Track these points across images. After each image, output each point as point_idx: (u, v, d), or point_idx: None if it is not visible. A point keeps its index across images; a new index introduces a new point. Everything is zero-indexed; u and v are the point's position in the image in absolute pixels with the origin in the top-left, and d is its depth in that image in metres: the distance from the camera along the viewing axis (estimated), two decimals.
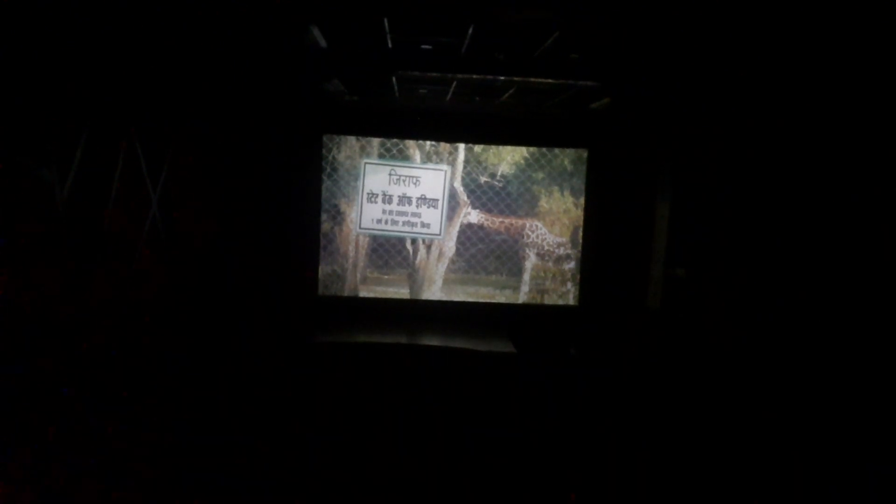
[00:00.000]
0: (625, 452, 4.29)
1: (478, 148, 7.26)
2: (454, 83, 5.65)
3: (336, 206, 7.18)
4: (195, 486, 3.72)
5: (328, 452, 4.24)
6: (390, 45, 4.68)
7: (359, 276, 7.30)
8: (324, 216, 7.15)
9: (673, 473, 4.00)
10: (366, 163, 7.17)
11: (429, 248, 7.32)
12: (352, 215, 7.18)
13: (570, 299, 7.43)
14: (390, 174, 7.17)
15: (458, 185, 7.26)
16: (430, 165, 7.22)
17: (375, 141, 7.17)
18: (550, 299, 7.44)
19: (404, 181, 7.19)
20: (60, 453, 3.30)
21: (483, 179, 7.28)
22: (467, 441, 4.47)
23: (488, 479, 4.09)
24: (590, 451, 4.37)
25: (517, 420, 4.90)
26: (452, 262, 7.34)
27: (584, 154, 7.29)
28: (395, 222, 7.21)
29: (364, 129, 7.10)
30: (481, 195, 7.28)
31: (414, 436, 4.58)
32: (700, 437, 4.36)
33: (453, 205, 7.26)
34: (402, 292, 7.35)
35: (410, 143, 7.18)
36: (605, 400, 5.22)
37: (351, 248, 7.26)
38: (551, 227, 7.35)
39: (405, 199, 7.20)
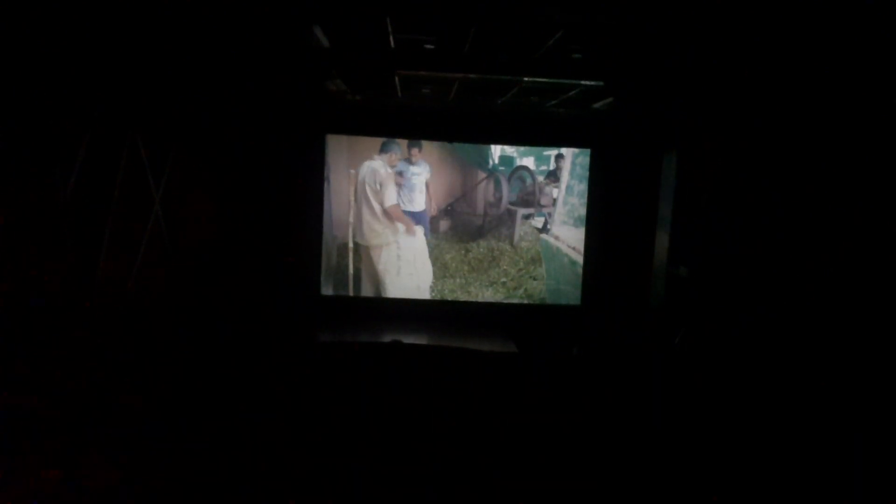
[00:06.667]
0: (628, 453, 4.29)
1: None
2: (456, 83, 5.64)
3: None
4: (195, 483, 3.72)
5: (330, 451, 4.24)
6: (393, 45, 4.67)
7: None
8: None
9: (677, 471, 4.00)
10: None
11: None
12: None
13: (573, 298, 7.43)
14: None
15: None
16: None
17: None
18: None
19: None
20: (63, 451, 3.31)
21: None
22: (469, 442, 4.46)
23: (489, 480, 4.08)
24: (593, 452, 4.37)
25: (519, 420, 4.90)
26: None
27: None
28: None
29: (366, 128, 7.10)
30: None
31: (415, 436, 4.58)
32: (703, 435, 4.35)
33: None
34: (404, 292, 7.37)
35: None
36: (607, 400, 5.21)
37: None
38: None
39: None
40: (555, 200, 7.44)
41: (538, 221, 7.48)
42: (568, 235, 7.43)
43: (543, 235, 7.48)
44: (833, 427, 3.58)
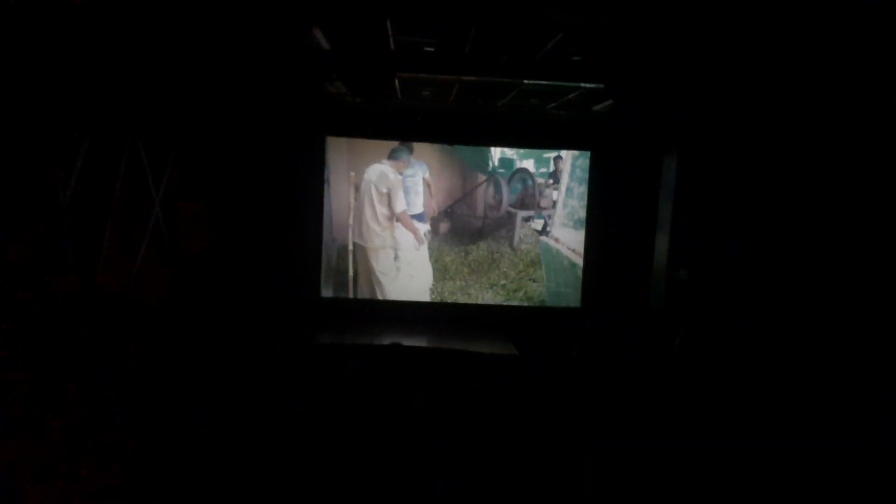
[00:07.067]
0: (628, 454, 4.28)
1: None
2: (456, 85, 5.65)
3: None
4: (195, 485, 3.72)
5: (330, 453, 4.23)
6: (393, 47, 4.68)
7: None
8: None
9: (678, 475, 3.99)
10: None
11: None
12: None
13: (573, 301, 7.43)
14: None
15: None
16: None
17: None
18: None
19: None
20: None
21: None
22: (469, 444, 4.46)
23: (488, 481, 4.08)
24: (592, 454, 4.36)
25: (519, 422, 4.89)
26: None
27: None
28: None
29: (366, 130, 7.11)
30: None
31: (415, 438, 4.57)
32: (702, 437, 4.34)
33: None
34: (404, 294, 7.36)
35: None
36: (607, 401, 5.20)
37: None
38: None
39: None
40: (554, 203, 7.44)
41: (538, 224, 7.48)
42: (568, 238, 7.43)
43: (543, 238, 7.48)
44: (834, 428, 3.58)
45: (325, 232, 7.17)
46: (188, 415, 4.43)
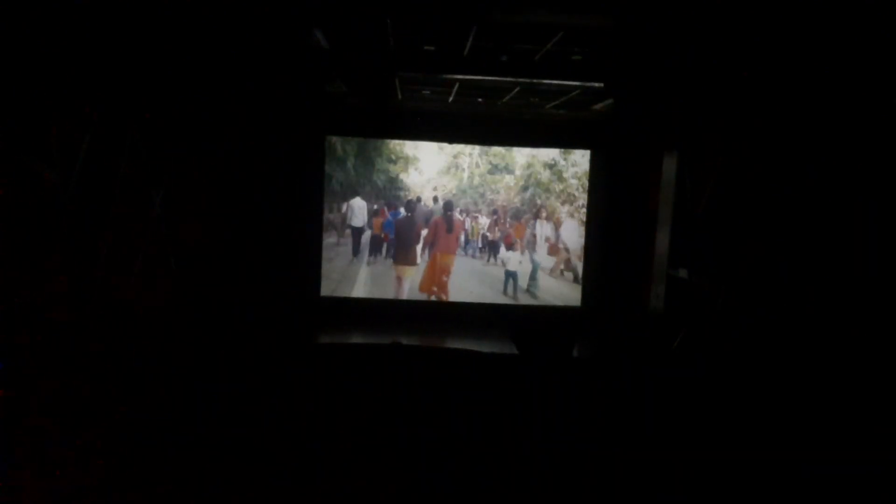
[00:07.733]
0: (628, 457, 4.27)
1: None
2: (456, 84, 5.65)
3: None
4: (195, 486, 3.71)
5: (331, 453, 4.23)
6: (393, 47, 4.69)
7: None
8: None
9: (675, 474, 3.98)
10: None
11: None
12: None
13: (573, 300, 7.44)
14: None
15: None
16: None
17: None
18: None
19: None
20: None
21: None
22: (468, 443, 4.45)
23: (488, 482, 4.07)
24: (591, 455, 4.35)
25: (519, 422, 4.88)
26: None
27: None
28: None
29: (366, 130, 7.11)
30: None
31: (415, 437, 4.56)
32: (702, 437, 4.34)
33: None
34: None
35: None
36: (606, 402, 5.20)
37: None
38: None
39: None
40: None
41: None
42: None
43: None
44: (834, 429, 3.57)
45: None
46: (188, 414, 4.43)
